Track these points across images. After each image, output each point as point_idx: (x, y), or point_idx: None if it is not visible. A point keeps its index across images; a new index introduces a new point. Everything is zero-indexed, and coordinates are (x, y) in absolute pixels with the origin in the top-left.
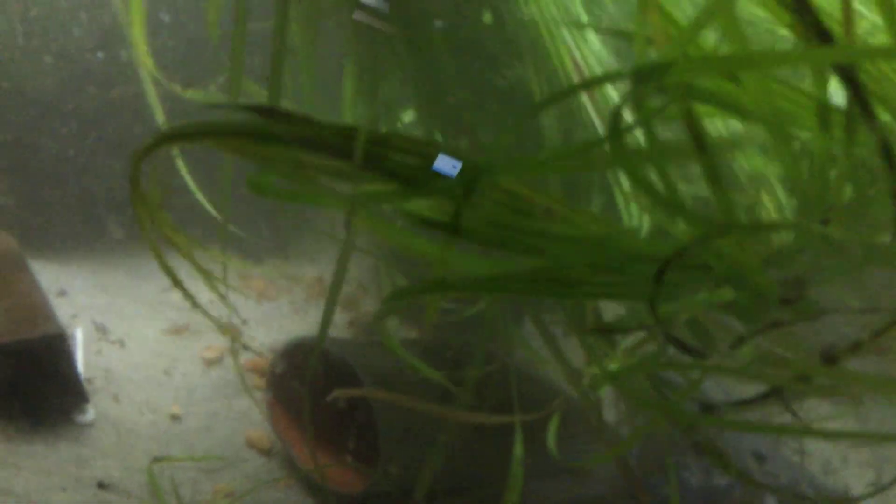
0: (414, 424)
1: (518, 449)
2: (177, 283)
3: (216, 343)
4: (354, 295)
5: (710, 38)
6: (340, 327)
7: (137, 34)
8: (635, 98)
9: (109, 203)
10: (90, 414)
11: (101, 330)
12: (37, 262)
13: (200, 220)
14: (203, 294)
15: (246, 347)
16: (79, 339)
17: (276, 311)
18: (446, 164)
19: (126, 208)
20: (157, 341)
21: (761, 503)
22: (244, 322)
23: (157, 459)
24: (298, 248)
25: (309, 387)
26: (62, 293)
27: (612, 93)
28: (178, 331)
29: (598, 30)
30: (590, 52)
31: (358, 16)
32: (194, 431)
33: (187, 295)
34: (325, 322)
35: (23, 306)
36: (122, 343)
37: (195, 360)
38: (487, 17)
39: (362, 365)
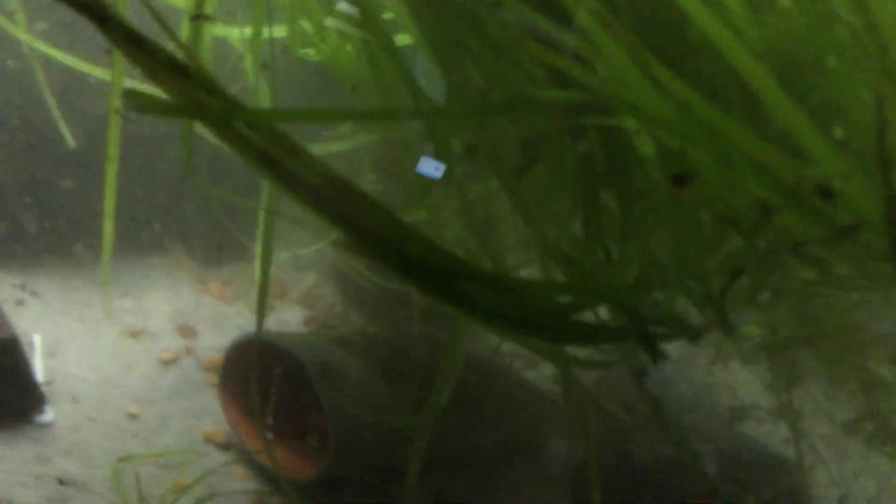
0: (362, 411)
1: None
2: None
3: (172, 345)
4: (312, 293)
5: None
6: (297, 325)
7: None
8: None
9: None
10: (49, 415)
11: (59, 335)
12: None
13: (161, 225)
14: (162, 299)
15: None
16: (37, 345)
17: (233, 313)
18: (430, 168)
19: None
20: (115, 345)
21: (702, 465)
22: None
23: (122, 459)
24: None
25: (258, 380)
26: (20, 302)
27: None
28: (134, 334)
29: None
30: None
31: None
32: (152, 429)
33: None
34: (260, 315)
35: None
36: (79, 347)
37: (152, 362)
38: None
39: (309, 356)
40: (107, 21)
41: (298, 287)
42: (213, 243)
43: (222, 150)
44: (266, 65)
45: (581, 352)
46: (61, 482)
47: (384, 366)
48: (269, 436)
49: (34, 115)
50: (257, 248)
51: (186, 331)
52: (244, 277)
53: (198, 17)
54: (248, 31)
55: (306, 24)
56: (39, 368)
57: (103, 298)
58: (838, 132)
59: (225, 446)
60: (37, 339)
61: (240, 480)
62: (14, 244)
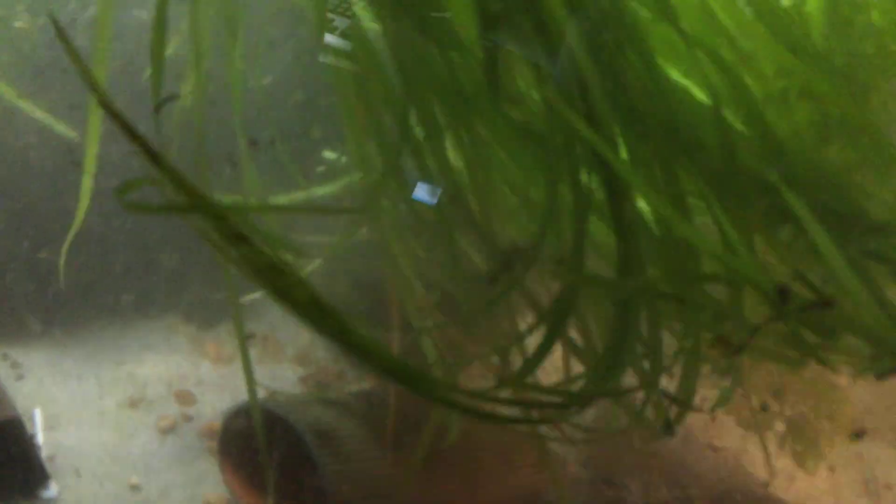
0: (358, 472)
1: None
2: None
3: (170, 412)
4: (307, 350)
5: None
6: (293, 384)
7: None
8: None
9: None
10: (53, 490)
11: (59, 408)
12: None
13: (154, 289)
14: (159, 364)
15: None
16: (38, 420)
17: (231, 374)
18: (425, 193)
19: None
20: (114, 415)
21: None
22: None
23: None
24: (246, 306)
25: (256, 447)
26: (20, 377)
27: None
28: (133, 403)
29: None
30: None
31: (324, 57)
32: (154, 500)
33: None
34: (250, 386)
35: None
36: (80, 420)
37: (151, 431)
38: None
39: (305, 422)
40: None
41: (294, 344)
42: (206, 304)
43: None
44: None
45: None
46: None
47: (379, 425)
48: (269, 502)
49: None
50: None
51: (184, 397)
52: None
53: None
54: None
55: None
56: (42, 443)
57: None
58: None
59: None
60: (37, 414)
61: None
62: (13, 320)
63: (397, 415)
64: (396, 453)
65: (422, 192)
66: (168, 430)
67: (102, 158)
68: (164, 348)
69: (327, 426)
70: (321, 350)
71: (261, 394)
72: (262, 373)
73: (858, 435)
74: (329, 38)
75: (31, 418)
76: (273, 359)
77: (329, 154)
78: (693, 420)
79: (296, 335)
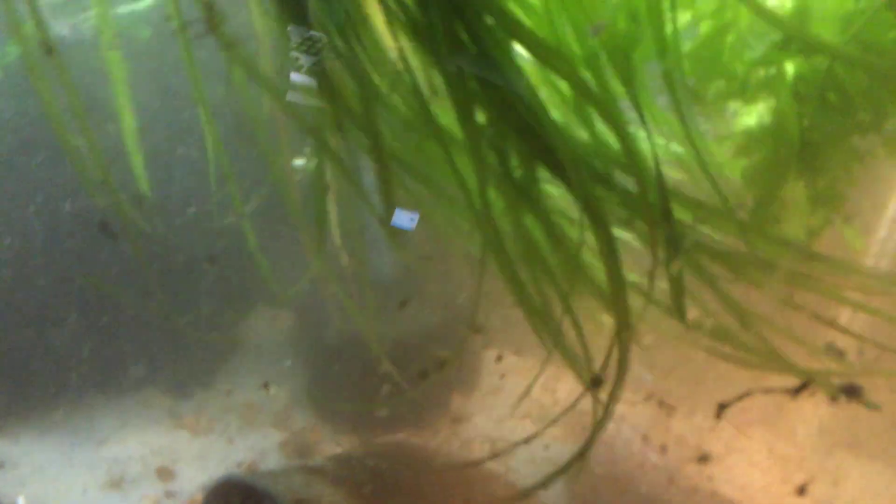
0: None
1: None
2: None
3: (152, 491)
4: (284, 413)
5: None
6: (273, 450)
7: None
8: None
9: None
10: None
11: (42, 495)
12: None
13: (128, 364)
14: (138, 441)
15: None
16: None
17: (209, 445)
18: (404, 220)
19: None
20: (97, 498)
21: None
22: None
23: None
24: (225, 373)
25: None
26: (1, 465)
27: None
28: (115, 484)
29: None
30: None
31: (291, 96)
32: None
33: None
34: None
35: None
36: None
37: None
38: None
39: (286, 494)
40: None
41: (270, 409)
42: (180, 375)
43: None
44: None
45: None
46: None
47: (358, 488)
48: None
49: None
50: None
51: (164, 473)
52: (216, 405)
53: None
54: None
55: None
56: None
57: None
58: None
59: None
60: (21, 502)
61: None
62: None
63: (375, 476)
64: None
65: (400, 219)
66: None
67: None
68: (143, 424)
69: (310, 496)
70: (297, 413)
71: (242, 467)
72: (242, 441)
73: None
74: (295, 77)
75: None
76: (251, 426)
77: None
78: (681, 460)
79: (272, 399)
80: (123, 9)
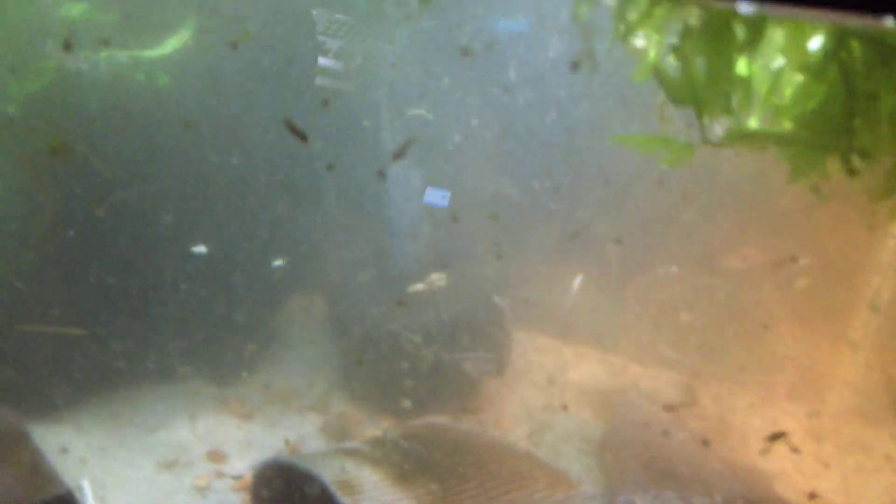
0: None
1: None
2: None
3: (204, 471)
4: (323, 398)
5: None
6: (314, 433)
7: None
8: None
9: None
10: None
11: (104, 478)
12: (38, 426)
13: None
14: (188, 426)
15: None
16: (87, 490)
17: (255, 429)
18: (437, 197)
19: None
20: (153, 479)
21: None
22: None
23: None
24: (266, 360)
25: (288, 498)
26: (64, 450)
27: None
28: (169, 465)
29: None
30: None
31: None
32: None
33: None
34: None
35: (28, 474)
36: (122, 486)
37: (189, 490)
38: None
39: (329, 475)
40: None
41: (311, 393)
42: (223, 364)
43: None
44: None
45: None
46: None
47: (395, 467)
48: None
49: None
50: None
51: (215, 456)
52: (259, 391)
53: None
54: None
55: None
56: None
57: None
58: None
59: None
60: (86, 485)
61: None
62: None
63: (411, 457)
64: (415, 491)
65: (433, 196)
66: (204, 489)
67: None
68: (191, 410)
69: (349, 476)
70: (335, 397)
71: (286, 450)
72: (284, 425)
73: None
74: (322, 61)
75: (81, 490)
76: (293, 410)
77: None
78: (709, 432)
79: (312, 383)
80: (149, 53)
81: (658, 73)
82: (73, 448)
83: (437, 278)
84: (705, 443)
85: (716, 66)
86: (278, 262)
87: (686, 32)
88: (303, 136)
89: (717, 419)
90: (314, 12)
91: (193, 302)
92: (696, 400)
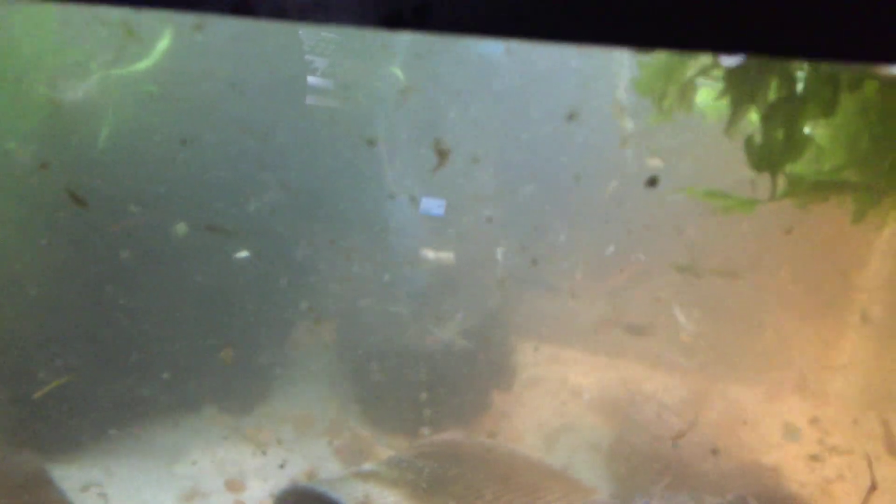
0: None
1: None
2: None
3: (224, 501)
4: (337, 420)
5: None
6: (328, 456)
7: None
8: None
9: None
10: None
11: None
12: (57, 464)
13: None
14: (206, 456)
15: None
16: None
17: (272, 457)
18: (433, 206)
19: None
20: None
21: None
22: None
23: None
24: (277, 387)
25: None
26: (84, 487)
27: None
28: (189, 498)
29: None
30: None
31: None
32: None
33: None
34: None
35: None
36: None
37: None
38: None
39: (351, 499)
40: None
41: (324, 416)
42: (237, 392)
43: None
44: None
45: None
46: None
47: (416, 489)
48: None
49: None
50: None
51: (234, 485)
52: (272, 418)
53: None
54: None
55: None
56: None
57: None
58: None
59: None
60: None
61: None
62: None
63: (427, 475)
64: None
65: (428, 206)
66: None
67: None
68: (209, 440)
69: (371, 499)
70: (348, 420)
71: (303, 476)
72: (300, 451)
73: None
74: (311, 80)
75: None
76: (307, 435)
77: None
78: (724, 435)
79: (324, 407)
80: (122, 70)
81: (748, 143)
82: (93, 484)
83: (445, 257)
84: (714, 451)
85: (796, 132)
86: (243, 254)
87: (777, 104)
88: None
89: (727, 419)
90: (300, 31)
91: (205, 331)
92: (705, 401)
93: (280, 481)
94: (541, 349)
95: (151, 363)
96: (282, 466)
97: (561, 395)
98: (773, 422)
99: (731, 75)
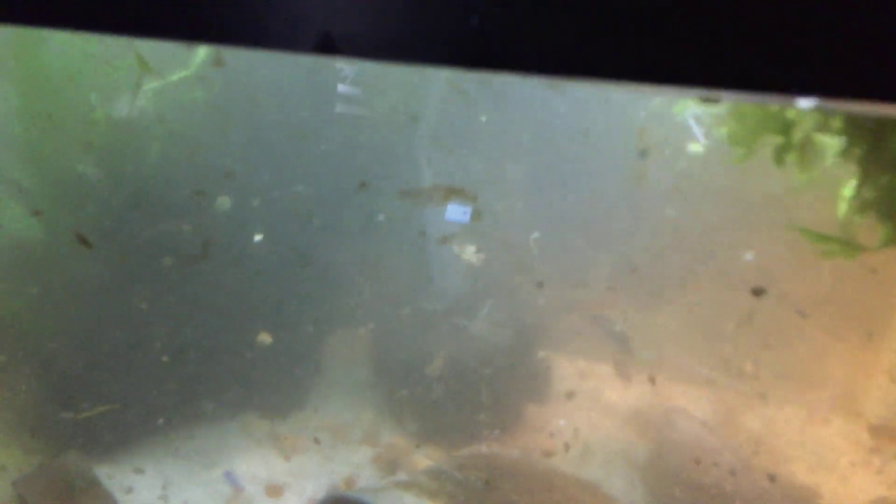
0: None
1: None
2: None
3: None
4: (372, 429)
5: None
6: (365, 464)
7: None
8: None
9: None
10: None
11: None
12: (101, 467)
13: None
14: (244, 461)
15: None
16: None
17: (310, 462)
18: (457, 213)
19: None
20: None
21: None
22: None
23: None
24: (314, 393)
25: None
26: (129, 490)
27: None
28: (229, 502)
29: None
30: None
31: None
32: None
33: None
34: None
35: None
36: None
37: None
38: None
39: None
40: None
41: (359, 425)
42: (274, 398)
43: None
44: None
45: None
46: None
47: (452, 499)
48: None
49: None
50: None
51: (273, 490)
52: (309, 424)
53: None
54: None
55: None
56: None
57: (200, 473)
58: None
59: None
60: None
61: None
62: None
63: (465, 487)
64: None
65: (454, 213)
66: None
67: None
68: (246, 445)
69: None
70: (385, 428)
71: (342, 482)
72: (337, 459)
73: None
74: (341, 88)
75: None
76: (344, 443)
77: None
78: (750, 450)
79: (359, 415)
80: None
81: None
82: (139, 488)
83: (474, 250)
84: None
85: None
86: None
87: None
88: None
89: (759, 435)
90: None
91: (245, 336)
92: (737, 417)
93: (317, 488)
94: (576, 363)
95: (195, 371)
96: (323, 473)
97: (596, 409)
98: (830, 442)
99: (853, 127)
